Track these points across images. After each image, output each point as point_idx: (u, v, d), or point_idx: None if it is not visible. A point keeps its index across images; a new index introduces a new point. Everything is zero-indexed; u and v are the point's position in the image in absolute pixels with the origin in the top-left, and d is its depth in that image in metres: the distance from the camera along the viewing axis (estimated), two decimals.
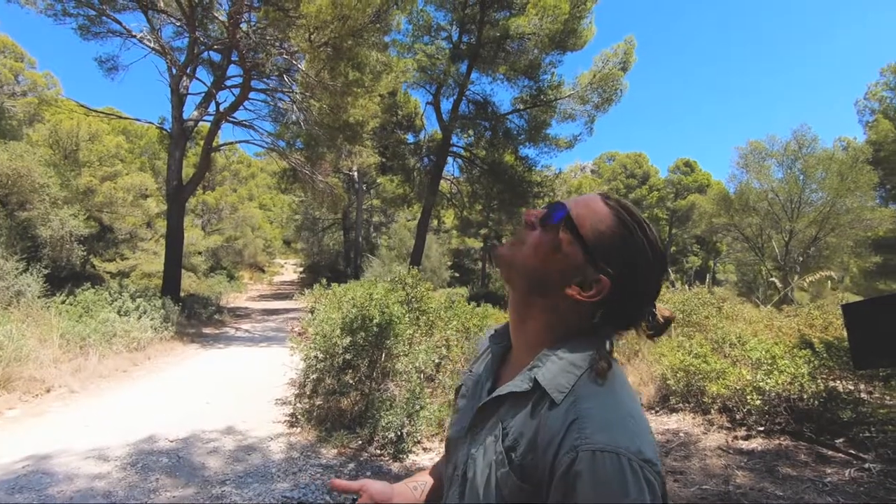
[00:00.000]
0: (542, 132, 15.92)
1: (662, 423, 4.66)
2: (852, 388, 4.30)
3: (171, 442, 4.13)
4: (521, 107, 16.08)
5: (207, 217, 26.34)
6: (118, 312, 8.45)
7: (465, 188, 19.45)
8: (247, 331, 12.06)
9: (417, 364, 4.41)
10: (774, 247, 16.48)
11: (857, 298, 15.21)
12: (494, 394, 0.74)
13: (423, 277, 6.07)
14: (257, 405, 5.28)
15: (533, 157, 16.87)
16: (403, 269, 5.89)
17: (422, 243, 16.40)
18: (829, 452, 3.75)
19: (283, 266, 40.08)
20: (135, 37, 12.29)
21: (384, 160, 18.82)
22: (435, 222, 22.81)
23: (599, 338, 0.72)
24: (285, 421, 4.73)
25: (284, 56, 12.05)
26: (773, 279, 11.21)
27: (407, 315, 4.93)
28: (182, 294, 13.41)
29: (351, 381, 4.51)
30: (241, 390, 5.94)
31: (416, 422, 4.08)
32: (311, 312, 7.04)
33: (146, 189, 18.71)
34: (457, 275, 28.88)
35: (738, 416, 4.39)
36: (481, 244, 32.23)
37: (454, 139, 17.44)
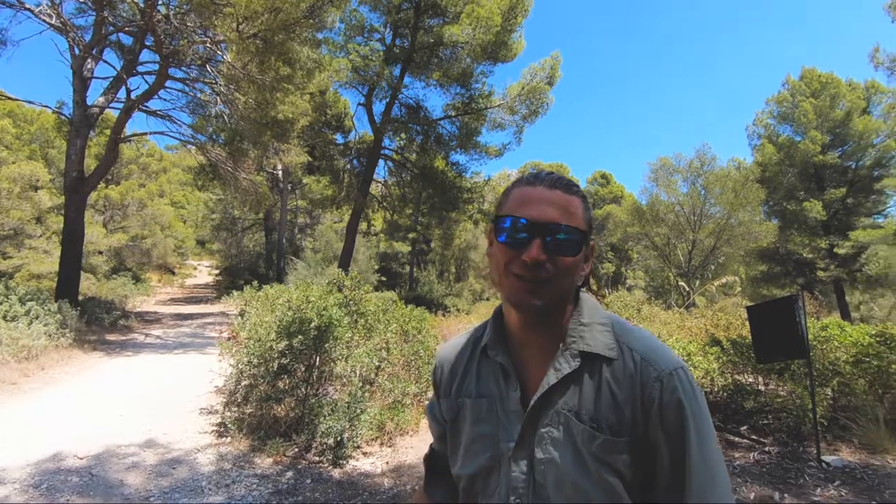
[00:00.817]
0: (473, 139, 16.28)
1: None
2: (752, 380, 4.82)
3: (81, 459, 3.73)
4: (453, 113, 16.35)
5: (111, 213, 24.05)
6: (3, 317, 7.50)
7: (396, 191, 19.39)
8: (158, 337, 11.15)
9: (358, 368, 4.33)
10: (679, 255, 18.04)
11: (747, 302, 17.01)
12: (546, 384, 0.73)
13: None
14: (179, 416, 4.91)
15: (463, 164, 17.22)
16: (336, 272, 5.76)
17: (351, 246, 16.11)
18: (736, 439, 4.18)
19: (196, 268, 37.49)
20: (29, 10, 10.99)
21: (312, 160, 18.28)
22: (364, 225, 22.47)
23: (584, 292, 0.81)
24: (213, 431, 4.43)
25: (208, 45, 11.35)
26: (682, 284, 12.34)
27: (345, 318, 4.83)
28: (81, 297, 12.14)
29: (287, 387, 4.33)
30: (159, 401, 5.49)
31: (357, 426, 4.01)
32: (241, 316, 6.67)
33: (37, 180, 16.77)
34: (384, 278, 28.63)
35: None
36: (409, 248, 32.24)
37: (386, 142, 17.35)
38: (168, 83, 12.63)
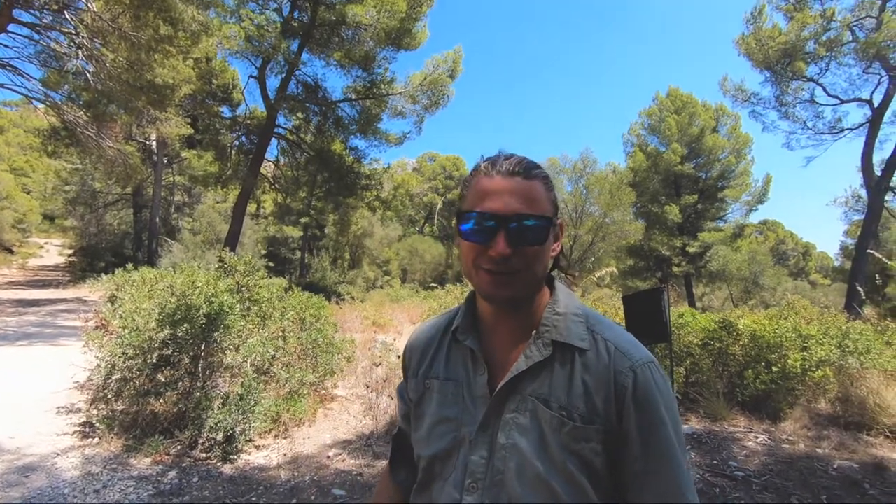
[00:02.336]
0: (374, 125, 16.01)
1: None
2: None
3: None
4: (354, 97, 15.92)
5: None
6: None
7: (289, 173, 18.43)
8: None
9: (253, 358, 4.10)
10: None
11: (616, 293, 18.87)
12: (515, 370, 0.73)
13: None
14: (30, 417, 4.25)
15: (363, 149, 16.89)
16: (227, 256, 5.36)
17: (238, 228, 15.02)
18: None
19: (42, 247, 32.37)
20: None
21: (194, 133, 16.67)
22: (253, 207, 21.07)
23: (557, 282, 0.81)
24: (76, 432, 3.91)
25: None
26: (567, 276, 13.44)
27: (237, 305, 4.53)
28: None
29: (168, 380, 3.96)
30: (1, 400, 4.70)
31: (251, 419, 3.80)
32: (111, 302, 5.90)
33: None
34: (272, 264, 27.10)
35: None
36: (301, 233, 30.89)
37: (280, 120, 16.40)
38: (11, 27, 10.67)
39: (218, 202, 29.56)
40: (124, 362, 3.82)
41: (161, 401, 4.03)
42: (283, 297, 5.56)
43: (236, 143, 18.78)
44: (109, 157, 13.11)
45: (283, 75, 15.08)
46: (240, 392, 3.89)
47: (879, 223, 15.13)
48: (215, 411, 3.77)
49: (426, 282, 31.59)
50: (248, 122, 17.97)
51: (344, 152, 17.13)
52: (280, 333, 4.73)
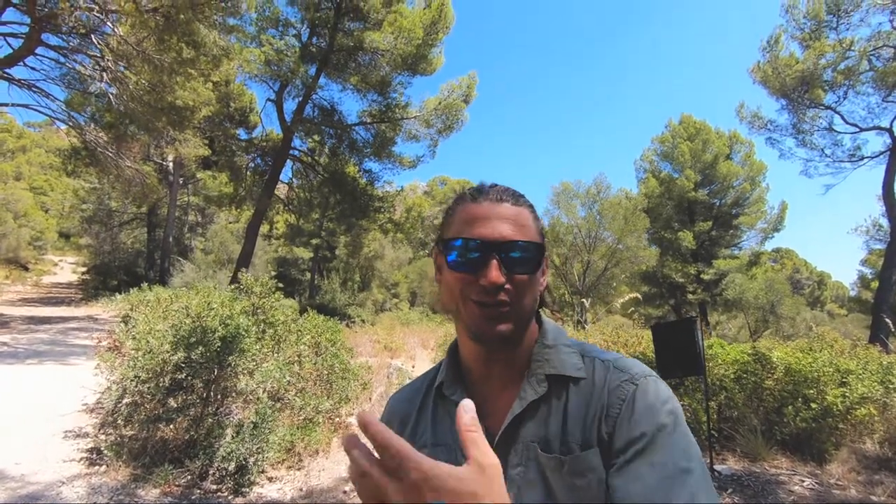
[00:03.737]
0: (388, 149, 16.11)
1: None
2: None
3: None
4: (369, 120, 16.06)
5: None
6: None
7: (302, 194, 18.53)
8: (5, 344, 9.43)
9: (267, 383, 3.94)
10: (574, 274, 19.31)
11: (626, 320, 18.51)
12: (511, 414, 0.68)
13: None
14: (37, 440, 4.11)
15: (376, 172, 16.95)
16: (244, 276, 5.25)
17: (251, 248, 15.02)
18: None
19: (57, 264, 32.68)
20: None
21: (210, 154, 16.89)
22: (266, 227, 21.18)
23: (542, 317, 0.76)
24: (83, 458, 3.76)
25: (95, 13, 10.00)
26: (583, 301, 13.25)
27: (253, 328, 4.40)
28: None
29: (180, 405, 3.81)
30: (7, 423, 4.56)
31: (265, 449, 3.63)
32: (125, 322, 5.79)
33: None
34: (281, 285, 27.07)
35: None
36: (311, 254, 30.96)
37: (295, 142, 16.55)
38: (39, 50, 10.94)
39: (230, 222, 29.81)
40: (136, 386, 3.69)
41: (171, 427, 3.88)
42: (297, 319, 5.43)
43: (251, 164, 18.99)
44: (127, 177, 13.26)
45: (300, 99, 15.28)
46: (254, 420, 3.73)
47: None
48: (228, 440, 3.61)
49: (435, 305, 31.38)
50: (264, 144, 18.19)
51: (357, 175, 17.21)
52: (296, 358, 4.58)
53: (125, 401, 3.76)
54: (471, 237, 0.67)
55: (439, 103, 15.84)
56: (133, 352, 3.85)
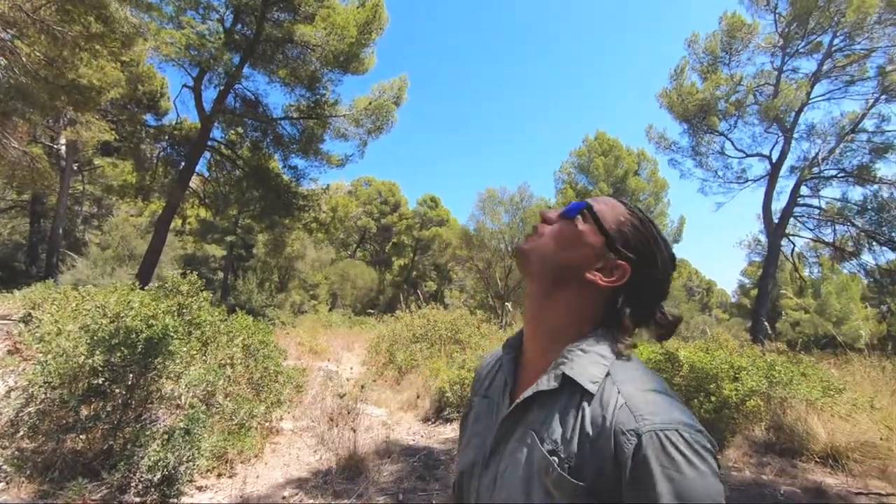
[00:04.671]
0: (316, 146, 15.67)
1: (441, 433, 5.06)
2: None
3: None
4: (296, 115, 15.54)
5: None
6: None
7: (219, 189, 17.47)
8: None
9: (200, 387, 3.73)
10: (497, 278, 19.95)
11: None
12: (519, 399, 0.71)
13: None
14: None
15: (302, 169, 16.40)
16: (171, 274, 4.91)
17: (161, 244, 13.89)
18: None
19: None
20: None
21: (115, 139, 15.43)
22: (178, 222, 19.70)
23: (617, 329, 0.74)
24: None
25: None
26: (507, 304, 13.77)
27: (180, 328, 4.13)
28: None
29: (95, 412, 3.49)
30: None
31: (196, 457, 3.43)
32: (25, 322, 5.13)
33: None
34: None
35: None
36: (225, 252, 29.22)
37: (215, 133, 15.58)
38: None
39: (133, 215, 27.33)
40: (46, 392, 3.32)
41: (86, 437, 3.54)
42: (226, 320, 5.16)
43: (161, 153, 17.59)
44: (12, 160, 11.74)
45: (222, 88, 14.43)
46: (185, 426, 3.51)
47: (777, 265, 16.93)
48: (154, 448, 3.36)
49: (356, 307, 30.88)
50: (177, 132, 16.92)
51: (282, 171, 16.58)
52: (228, 361, 4.36)
53: (30, 409, 3.37)
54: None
55: (370, 103, 15.71)
56: (41, 355, 3.47)
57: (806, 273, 22.25)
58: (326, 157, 16.14)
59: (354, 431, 3.91)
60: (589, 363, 0.68)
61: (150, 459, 3.30)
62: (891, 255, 15.75)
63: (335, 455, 3.85)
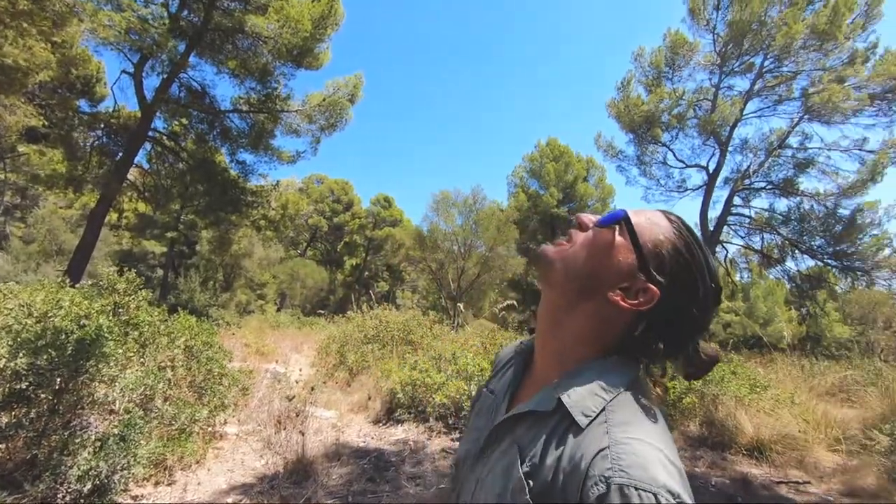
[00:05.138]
0: (266, 141, 15.19)
1: (391, 434, 5.04)
2: None
3: None
4: (246, 108, 15.01)
5: None
6: None
7: (161, 182, 16.58)
8: None
9: (139, 392, 3.54)
10: (449, 280, 20.08)
11: (495, 326, 19.72)
12: (512, 412, 0.69)
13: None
14: None
15: (251, 164, 15.85)
16: (106, 272, 4.62)
17: (94, 239, 13.01)
18: None
19: None
20: None
21: (45, 125, 14.33)
22: (114, 216, 18.55)
23: (636, 359, 0.69)
24: None
25: None
26: (459, 305, 13.89)
27: (115, 329, 3.90)
28: None
29: (22, 419, 3.24)
30: None
31: (132, 464, 3.25)
32: None
33: None
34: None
35: (450, 422, 5.17)
36: (165, 249, 27.80)
37: (157, 123, 14.79)
38: None
39: (62, 207, 25.50)
40: None
41: (5, 446, 3.28)
42: (167, 320, 4.92)
43: (96, 142, 16.50)
44: None
45: (165, 76, 13.72)
46: (118, 432, 3.32)
47: None
48: (85, 456, 3.16)
49: (306, 308, 30.18)
50: (114, 121, 15.92)
51: (229, 165, 15.97)
52: (169, 363, 4.15)
53: None
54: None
55: (324, 100, 15.41)
56: None
57: (737, 278, 23.82)
58: (277, 153, 15.68)
59: (303, 434, 3.83)
60: (587, 393, 0.62)
61: (79, 469, 3.10)
62: (810, 262, 17.15)
63: (282, 459, 3.76)
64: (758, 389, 5.22)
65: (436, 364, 5.80)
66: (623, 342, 0.68)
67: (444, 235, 19.10)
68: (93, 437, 3.27)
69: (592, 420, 0.59)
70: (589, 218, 0.74)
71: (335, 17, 14.02)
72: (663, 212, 0.73)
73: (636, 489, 0.49)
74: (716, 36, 16.22)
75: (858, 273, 15.75)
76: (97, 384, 3.61)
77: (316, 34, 13.84)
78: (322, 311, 18.89)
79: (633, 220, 0.69)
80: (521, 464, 0.62)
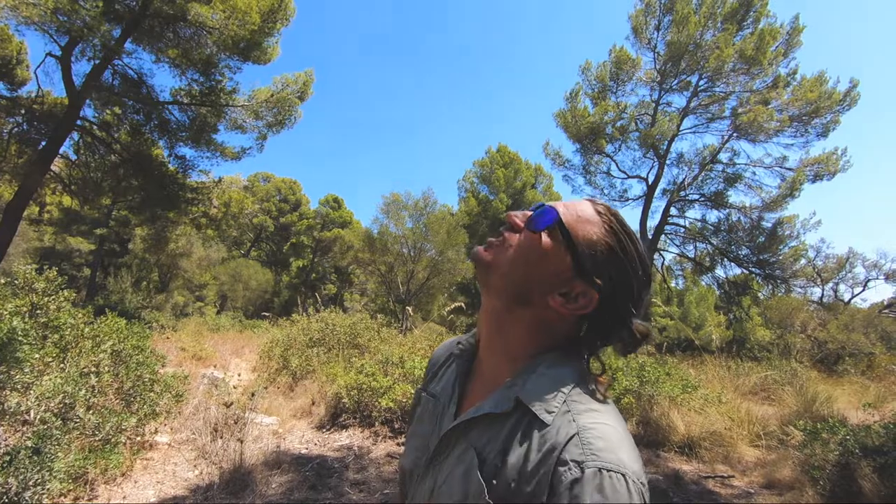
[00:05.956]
0: (208, 136, 14.51)
1: (335, 440, 4.93)
2: None
3: None
4: (187, 101, 14.27)
5: None
6: None
7: (90, 175, 15.46)
8: None
9: (57, 400, 3.27)
10: (399, 283, 19.96)
11: (443, 329, 19.80)
12: (466, 416, 0.68)
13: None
14: None
15: (191, 159, 15.08)
16: (21, 269, 4.25)
17: (11, 235, 11.93)
18: None
19: None
20: None
21: None
22: (35, 210, 17.11)
23: (580, 352, 0.70)
24: None
25: None
26: (408, 309, 13.82)
27: (31, 332, 3.59)
28: None
29: None
30: None
31: (47, 479, 2.99)
32: None
33: None
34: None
35: (396, 426, 5.12)
36: (94, 246, 25.95)
37: (87, 111, 13.80)
38: None
39: None
40: None
41: None
42: (91, 323, 4.58)
43: (15, 129, 15.18)
44: None
45: (98, 62, 12.83)
46: (32, 444, 3.05)
47: None
48: None
49: (248, 310, 29.05)
50: (36, 107, 14.72)
51: (166, 160, 15.14)
52: (93, 369, 3.86)
53: None
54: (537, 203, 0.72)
55: (271, 95, 14.93)
56: None
57: (673, 284, 25.16)
58: (220, 149, 15.02)
59: (241, 442, 3.67)
60: (546, 389, 0.63)
61: None
62: (737, 270, 18.38)
63: (218, 469, 3.59)
64: (689, 390, 5.51)
65: (383, 368, 5.73)
66: (568, 340, 0.70)
67: (394, 238, 18.99)
68: (1, 451, 2.99)
69: (556, 414, 0.60)
70: (520, 217, 0.72)
71: (285, 12, 13.64)
72: (590, 201, 0.72)
73: (608, 471, 0.52)
74: (656, 54, 17.11)
75: (778, 280, 17.06)
76: (8, 392, 3.30)
77: (265, 28, 13.41)
78: (266, 314, 18.24)
79: (565, 217, 0.68)
80: (481, 467, 0.61)
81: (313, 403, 5.57)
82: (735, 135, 16.75)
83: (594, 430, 0.57)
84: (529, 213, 0.71)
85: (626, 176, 18.72)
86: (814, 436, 4.04)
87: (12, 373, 3.25)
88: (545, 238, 0.67)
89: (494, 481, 0.59)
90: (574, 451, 0.55)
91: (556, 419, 0.60)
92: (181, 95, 14.38)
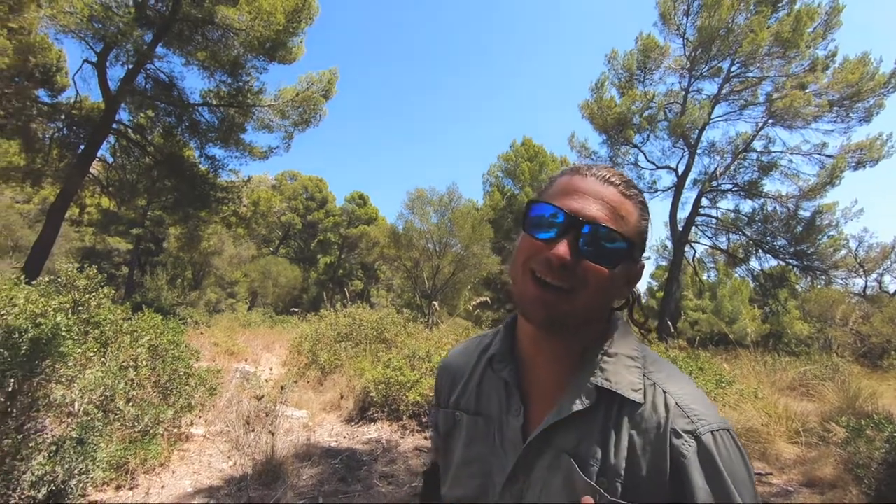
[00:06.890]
0: (237, 136, 14.85)
1: (364, 434, 4.99)
2: None
3: None
4: (216, 102, 14.63)
5: None
6: None
7: (126, 177, 16.03)
8: None
9: (98, 393, 3.40)
10: (424, 278, 20.03)
11: (469, 324, 19.78)
12: (548, 421, 0.63)
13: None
14: None
15: (221, 159, 15.46)
16: (64, 268, 4.43)
17: (54, 235, 12.49)
18: None
19: None
20: None
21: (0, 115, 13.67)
22: (76, 211, 17.86)
23: (617, 319, 0.70)
24: None
25: None
26: (434, 304, 13.89)
27: (74, 328, 3.74)
28: None
29: None
30: None
31: (90, 468, 3.12)
32: None
33: None
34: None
35: (424, 420, 5.14)
36: (131, 246, 26.91)
37: (122, 115, 14.28)
38: None
39: (18, 202, 24.38)
40: None
41: None
42: (130, 319, 4.75)
43: (56, 134, 15.84)
44: None
45: (131, 66, 13.26)
46: (76, 435, 3.18)
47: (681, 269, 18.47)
48: (39, 461, 3.02)
49: (278, 306, 29.66)
50: (76, 112, 15.31)
51: (199, 160, 15.55)
52: (132, 363, 4.01)
53: None
54: (558, 206, 0.61)
55: (297, 95, 15.15)
56: None
57: (704, 277, 24.49)
58: (248, 149, 15.35)
59: (273, 434, 3.75)
60: (622, 368, 0.63)
61: (33, 474, 2.97)
62: (773, 262, 17.76)
63: (251, 460, 3.67)
64: (723, 385, 5.36)
65: (410, 362, 5.76)
66: (611, 312, 0.72)
67: (419, 234, 19.04)
68: (48, 441, 3.13)
69: (643, 389, 0.61)
70: (564, 247, 0.60)
71: (309, 11, 13.80)
72: (607, 182, 0.64)
73: (717, 432, 0.57)
74: (685, 40, 16.62)
75: (817, 272, 16.41)
76: (54, 385, 3.45)
77: (289, 27, 13.60)
78: (295, 310, 18.58)
79: (626, 234, 0.62)
80: (583, 469, 0.59)
81: (342, 397, 5.65)
82: (770, 121, 16.15)
83: (685, 395, 0.60)
84: (577, 239, 0.60)
85: (654, 167, 18.32)
86: (858, 433, 3.87)
87: (57, 366, 3.39)
88: (619, 266, 0.63)
89: (603, 478, 0.58)
90: (682, 423, 0.57)
91: (646, 395, 0.61)
92: (210, 97, 14.74)
